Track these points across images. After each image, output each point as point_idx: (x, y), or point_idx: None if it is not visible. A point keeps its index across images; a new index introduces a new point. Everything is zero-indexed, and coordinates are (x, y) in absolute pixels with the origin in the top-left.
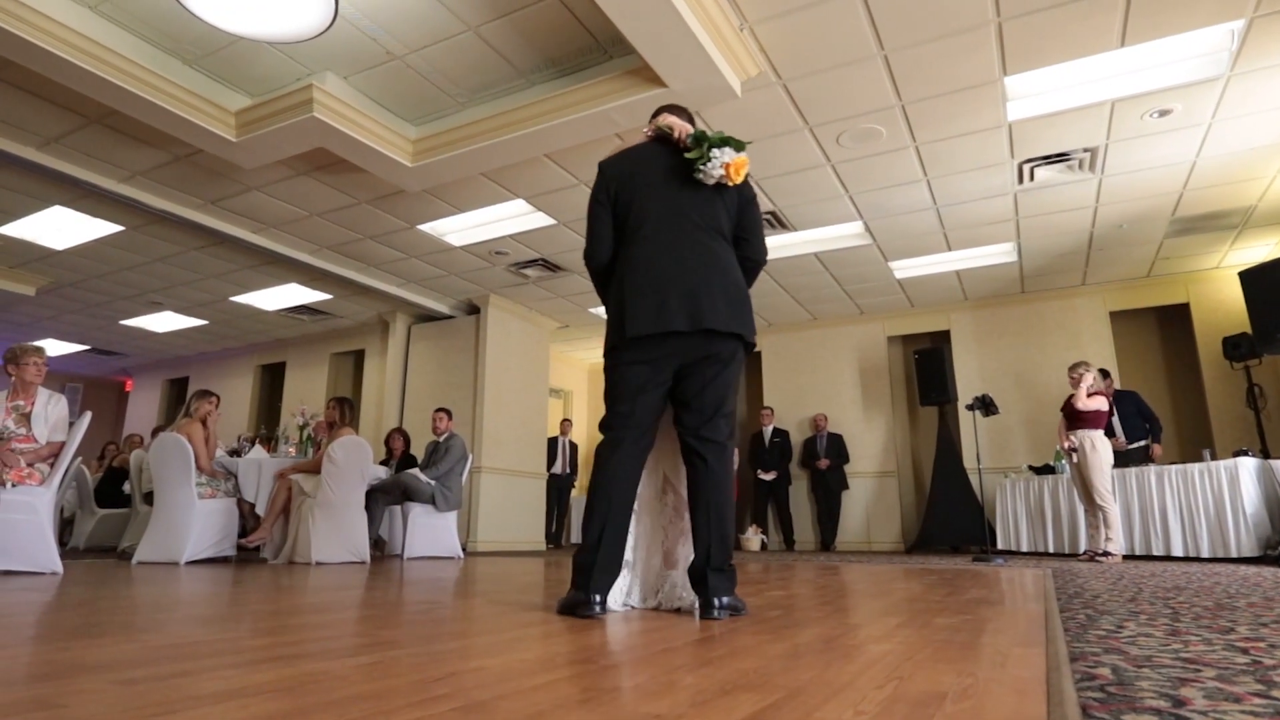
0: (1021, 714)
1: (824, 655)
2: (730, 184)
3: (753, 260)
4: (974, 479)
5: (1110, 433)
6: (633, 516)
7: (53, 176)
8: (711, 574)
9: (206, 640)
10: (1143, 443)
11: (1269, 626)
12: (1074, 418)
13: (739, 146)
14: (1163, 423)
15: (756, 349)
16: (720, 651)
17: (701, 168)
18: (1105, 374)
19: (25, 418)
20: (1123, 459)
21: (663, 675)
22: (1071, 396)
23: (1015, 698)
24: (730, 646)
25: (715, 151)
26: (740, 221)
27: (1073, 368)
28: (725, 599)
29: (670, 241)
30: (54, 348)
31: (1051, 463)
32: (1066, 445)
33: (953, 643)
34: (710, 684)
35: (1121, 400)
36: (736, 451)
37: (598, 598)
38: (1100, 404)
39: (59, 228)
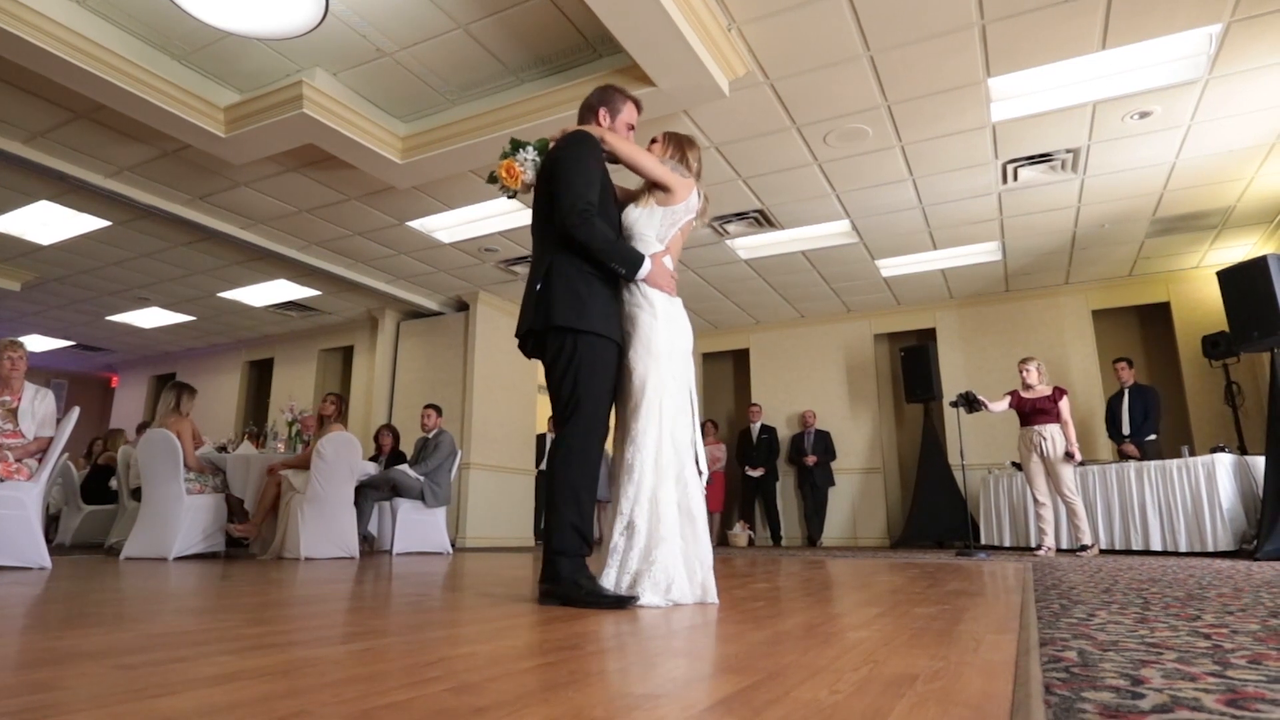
0: (988, 693)
1: (804, 641)
2: (514, 189)
3: (561, 229)
4: (958, 475)
5: (1116, 426)
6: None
7: (39, 171)
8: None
9: (200, 629)
10: (1152, 437)
11: (1234, 614)
12: (1035, 413)
13: (514, 147)
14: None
15: (744, 346)
16: (704, 639)
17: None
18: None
19: (12, 413)
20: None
21: (647, 660)
22: (1022, 392)
23: (983, 679)
24: (714, 634)
25: (495, 174)
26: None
27: (1022, 362)
28: (544, 585)
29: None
30: (39, 343)
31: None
32: (993, 406)
33: (929, 630)
34: (693, 667)
35: (1136, 396)
36: (722, 446)
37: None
38: (1064, 403)
39: (45, 222)
